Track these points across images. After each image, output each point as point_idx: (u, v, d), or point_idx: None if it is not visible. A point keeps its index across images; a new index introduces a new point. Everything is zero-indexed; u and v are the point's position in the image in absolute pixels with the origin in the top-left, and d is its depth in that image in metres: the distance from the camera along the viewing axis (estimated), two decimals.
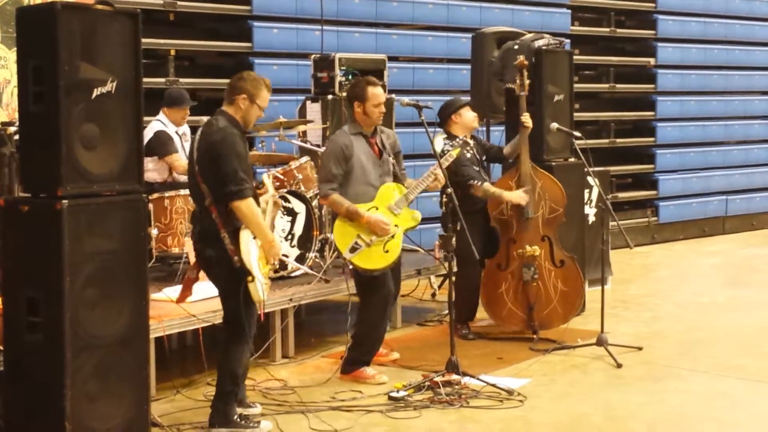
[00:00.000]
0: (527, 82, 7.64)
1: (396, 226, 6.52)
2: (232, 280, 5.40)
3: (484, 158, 7.92)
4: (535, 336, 7.52)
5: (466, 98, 8.06)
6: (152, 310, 5.28)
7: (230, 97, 5.56)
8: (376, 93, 6.56)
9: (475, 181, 7.49)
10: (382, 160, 6.63)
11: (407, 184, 6.72)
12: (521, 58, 7.73)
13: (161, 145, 7.44)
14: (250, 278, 5.31)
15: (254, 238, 5.39)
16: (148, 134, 7.42)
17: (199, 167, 5.44)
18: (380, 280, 6.51)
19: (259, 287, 5.34)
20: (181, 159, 7.44)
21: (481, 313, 7.98)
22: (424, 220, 10.19)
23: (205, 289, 5.90)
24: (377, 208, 6.50)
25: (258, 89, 5.54)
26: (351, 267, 6.57)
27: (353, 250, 6.43)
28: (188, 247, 6.75)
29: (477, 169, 7.66)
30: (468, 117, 7.72)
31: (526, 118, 7.57)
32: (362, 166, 6.52)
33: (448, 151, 7.11)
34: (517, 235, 7.59)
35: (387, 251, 6.50)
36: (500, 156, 7.92)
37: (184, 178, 7.53)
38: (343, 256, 6.49)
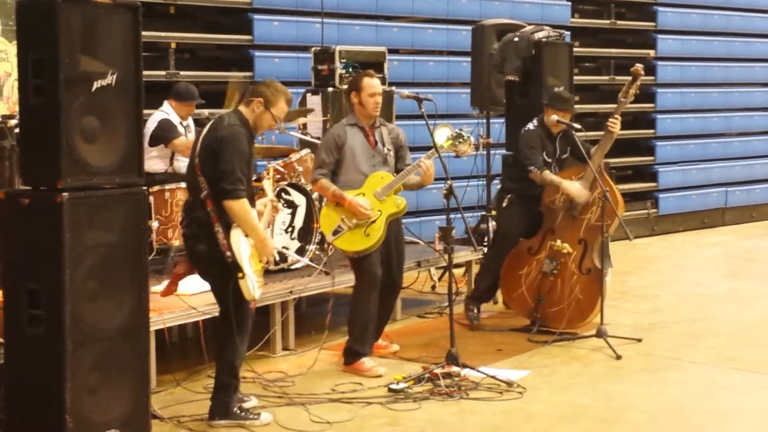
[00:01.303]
0: (632, 91, 7.49)
1: (379, 211, 6.63)
2: (223, 276, 5.42)
3: (565, 156, 7.82)
4: (533, 327, 7.53)
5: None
6: (152, 302, 5.31)
7: (248, 98, 5.64)
8: (371, 83, 6.72)
9: (535, 168, 7.51)
10: (376, 151, 6.75)
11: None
12: (638, 66, 7.49)
13: (165, 132, 7.45)
14: (240, 275, 5.33)
15: (246, 236, 5.42)
16: (151, 124, 7.44)
17: (199, 159, 5.46)
18: (366, 266, 6.64)
19: (251, 285, 5.36)
20: (184, 141, 7.45)
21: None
22: (425, 212, 10.25)
23: (204, 282, 5.90)
24: (364, 194, 6.66)
25: (276, 98, 5.61)
26: (335, 249, 6.88)
27: (336, 233, 6.66)
28: None
29: (548, 160, 7.67)
30: (552, 120, 7.61)
31: (613, 124, 7.46)
32: (353, 154, 6.69)
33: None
34: (558, 228, 7.60)
35: (368, 234, 6.65)
36: (584, 159, 7.55)
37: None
38: (326, 239, 6.76)
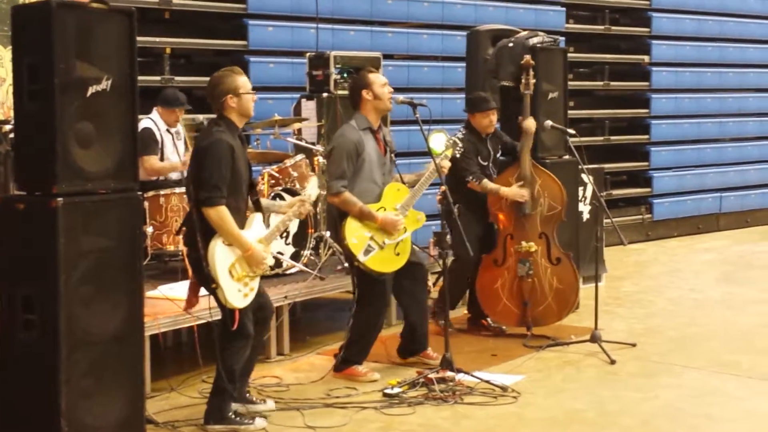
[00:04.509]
0: (533, 81, 7.66)
1: (404, 228, 6.48)
2: (207, 284, 5.44)
3: (499, 154, 7.90)
4: (528, 332, 7.55)
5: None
6: (147, 307, 5.31)
7: (218, 103, 5.56)
8: (378, 75, 6.60)
9: (473, 178, 7.51)
10: (386, 158, 6.61)
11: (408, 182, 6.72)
12: (527, 57, 7.74)
13: (140, 143, 7.44)
14: (214, 285, 5.33)
15: (231, 245, 5.41)
16: None
17: (189, 169, 5.51)
18: (384, 283, 6.49)
19: (228, 295, 5.35)
20: (153, 162, 7.47)
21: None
22: None
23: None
24: (384, 209, 6.45)
25: (234, 81, 5.55)
26: (358, 268, 6.44)
27: (367, 252, 6.36)
28: (183, 246, 6.77)
29: (485, 164, 7.69)
30: (484, 123, 7.69)
31: (528, 121, 7.60)
32: (371, 163, 6.46)
33: (455, 141, 7.22)
34: (515, 231, 7.61)
35: (398, 254, 6.48)
36: (515, 151, 7.77)
37: (175, 176, 7.58)
38: (357, 259, 6.36)
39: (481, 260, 7.67)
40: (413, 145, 9.59)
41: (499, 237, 7.67)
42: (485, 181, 7.57)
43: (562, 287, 7.63)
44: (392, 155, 6.70)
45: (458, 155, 7.36)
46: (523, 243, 7.59)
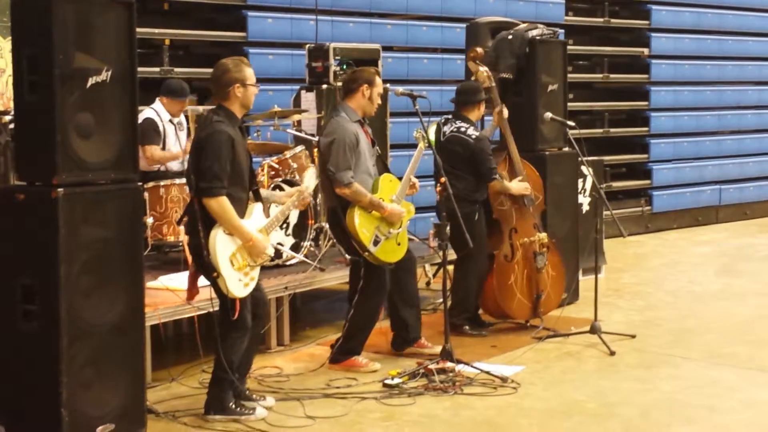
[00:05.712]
0: (487, 71, 7.65)
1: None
2: (208, 273, 5.44)
3: None
4: (534, 322, 7.55)
5: None
6: (147, 297, 5.34)
7: (223, 91, 5.53)
8: (381, 83, 6.63)
9: (499, 177, 7.44)
10: (374, 150, 6.66)
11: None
12: (478, 49, 7.72)
13: (143, 133, 7.46)
14: (215, 274, 5.33)
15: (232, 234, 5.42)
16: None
17: (191, 158, 5.50)
18: (385, 274, 6.54)
19: (229, 284, 5.35)
20: (155, 151, 7.48)
21: None
22: (419, 209, 10.24)
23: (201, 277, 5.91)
24: (383, 199, 6.48)
25: (243, 71, 5.53)
26: (366, 259, 6.47)
27: (376, 243, 6.41)
28: (184, 236, 6.78)
29: None
30: (482, 107, 7.71)
31: (503, 109, 7.62)
32: (365, 154, 6.51)
33: (471, 134, 7.28)
34: (518, 225, 7.61)
35: (399, 244, 6.55)
36: None
37: (176, 167, 7.58)
38: (368, 249, 6.38)
39: (494, 258, 7.56)
40: (413, 137, 9.55)
41: (503, 233, 7.64)
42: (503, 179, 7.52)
43: (555, 274, 7.73)
44: (377, 147, 6.73)
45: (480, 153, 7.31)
46: (539, 235, 7.63)
